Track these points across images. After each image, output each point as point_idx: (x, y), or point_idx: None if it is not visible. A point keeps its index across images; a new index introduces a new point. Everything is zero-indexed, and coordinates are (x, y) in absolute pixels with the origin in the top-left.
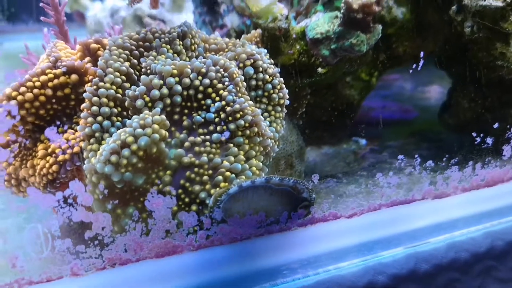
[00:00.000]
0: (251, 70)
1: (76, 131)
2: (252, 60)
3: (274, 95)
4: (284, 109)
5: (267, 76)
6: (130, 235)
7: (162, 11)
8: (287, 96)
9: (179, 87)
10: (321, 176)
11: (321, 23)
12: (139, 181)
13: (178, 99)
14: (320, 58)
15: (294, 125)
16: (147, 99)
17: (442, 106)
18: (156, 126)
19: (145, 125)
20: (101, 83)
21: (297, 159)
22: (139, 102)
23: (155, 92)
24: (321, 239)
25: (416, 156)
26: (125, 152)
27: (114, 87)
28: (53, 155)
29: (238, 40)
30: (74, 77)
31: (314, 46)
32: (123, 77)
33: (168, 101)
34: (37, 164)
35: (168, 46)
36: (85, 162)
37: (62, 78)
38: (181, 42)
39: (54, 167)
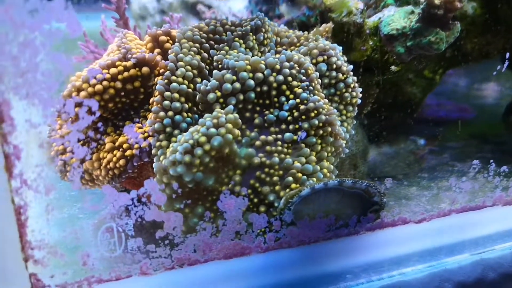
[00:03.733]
0: (324, 67)
1: (142, 125)
2: (325, 56)
3: (347, 94)
4: (356, 108)
5: (340, 74)
6: (200, 235)
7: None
8: (360, 95)
9: (252, 82)
10: (381, 176)
11: (396, 18)
12: (210, 181)
13: (252, 95)
14: (394, 55)
15: (360, 124)
16: (219, 94)
17: (508, 107)
18: (229, 125)
19: (218, 125)
20: (173, 77)
21: (361, 159)
22: (211, 96)
23: (227, 86)
24: (389, 244)
25: (491, 161)
26: (198, 151)
27: (186, 81)
28: (121, 149)
29: (310, 34)
30: (145, 69)
31: (388, 42)
32: (195, 71)
33: (241, 97)
34: (103, 158)
35: (241, 41)
36: (154, 159)
37: (132, 71)
38: (254, 37)
39: (121, 162)
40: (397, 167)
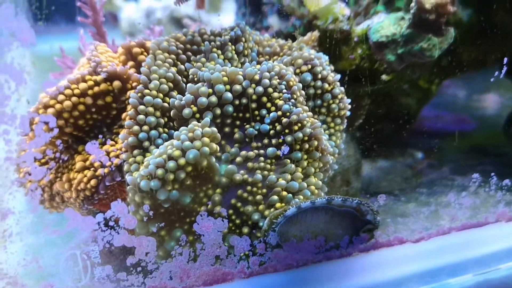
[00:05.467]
0: (308, 77)
1: (116, 143)
2: (309, 66)
3: (334, 106)
4: (345, 121)
5: (326, 85)
6: (176, 261)
7: (200, 12)
8: (349, 107)
9: (229, 95)
10: (376, 192)
11: (386, 25)
12: (187, 200)
13: (230, 108)
14: (384, 63)
15: (351, 137)
16: (195, 108)
17: (509, 118)
18: (206, 139)
19: (194, 138)
20: (146, 91)
21: (354, 174)
22: (186, 111)
23: (202, 100)
24: (384, 265)
25: (492, 174)
26: (171, 164)
27: (160, 94)
28: (92, 168)
29: (294, 43)
30: (116, 84)
31: (378, 50)
32: (170, 84)
33: (218, 111)
34: (74, 178)
35: (219, 52)
36: (126, 175)
37: (103, 85)
38: (233, 47)
39: (93, 182)
40: (394, 182)
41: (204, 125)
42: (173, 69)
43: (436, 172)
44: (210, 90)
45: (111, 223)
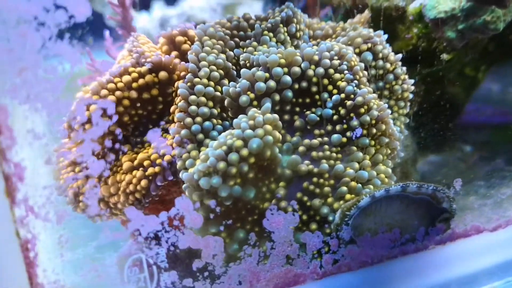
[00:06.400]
0: (369, 56)
1: (164, 139)
2: (369, 45)
3: (397, 87)
4: (408, 104)
5: (388, 64)
6: (245, 263)
7: (216, 17)
8: (412, 88)
9: (288, 78)
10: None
11: (442, 0)
12: (250, 195)
13: (289, 93)
14: (444, 41)
15: (406, 126)
16: (252, 95)
17: None
18: (268, 126)
19: (255, 126)
20: (196, 79)
21: (412, 166)
22: (243, 99)
23: (260, 85)
24: (464, 258)
25: None
26: (233, 157)
27: (212, 83)
28: (141, 168)
29: (346, 24)
30: (162, 74)
31: (436, 27)
32: (221, 72)
33: (276, 97)
34: (121, 180)
35: (271, 34)
36: (181, 173)
37: (148, 77)
38: (285, 29)
39: (143, 183)
40: (448, 176)
41: (265, 111)
42: (223, 56)
43: (491, 165)
44: (267, 75)
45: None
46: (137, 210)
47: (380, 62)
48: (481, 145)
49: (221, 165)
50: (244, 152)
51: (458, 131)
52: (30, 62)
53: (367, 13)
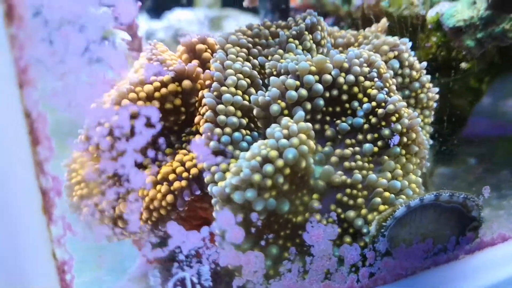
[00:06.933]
0: (396, 64)
1: (189, 151)
2: (396, 52)
3: (422, 96)
4: (433, 113)
5: (414, 72)
6: (285, 279)
7: (203, 30)
8: (437, 97)
9: (320, 86)
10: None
11: (460, 9)
12: (285, 208)
13: (320, 102)
14: (463, 50)
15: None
16: (283, 104)
17: None
18: (303, 135)
19: (290, 135)
20: (223, 88)
21: (430, 178)
22: (274, 108)
23: (292, 94)
24: (492, 267)
25: None
26: (269, 168)
27: (239, 92)
28: (165, 183)
29: (367, 32)
30: (186, 84)
31: (455, 36)
32: (248, 80)
33: (308, 105)
34: (144, 196)
35: (297, 42)
36: (210, 186)
37: (171, 86)
38: (310, 36)
39: (169, 198)
40: (459, 189)
41: (298, 120)
42: (248, 64)
43: (496, 176)
44: (298, 82)
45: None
46: (178, 225)
47: (407, 70)
48: (484, 157)
49: (257, 177)
50: (280, 163)
51: (463, 143)
52: (72, 66)
53: (384, 22)
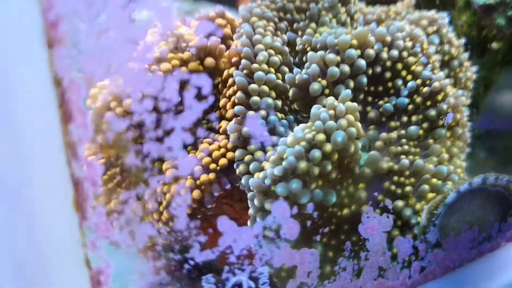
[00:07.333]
0: (436, 39)
1: (213, 140)
2: (435, 27)
3: (462, 75)
4: (470, 94)
5: (453, 49)
6: (339, 279)
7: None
8: (474, 77)
9: (363, 62)
10: None
11: None
12: (332, 200)
13: (364, 80)
14: (494, 29)
15: None
16: (324, 82)
17: None
18: (351, 116)
19: (337, 116)
20: (254, 65)
21: None
22: (315, 87)
23: (334, 70)
24: None
25: None
26: (316, 154)
27: (272, 69)
28: (189, 176)
29: (398, 7)
30: (209, 61)
31: (485, 14)
32: (279, 57)
33: (351, 83)
34: (163, 192)
35: (330, 15)
36: (244, 179)
37: (192, 65)
38: (344, 9)
39: (195, 194)
40: None
41: (345, 98)
42: (278, 39)
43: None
44: (339, 58)
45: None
46: (229, 221)
47: (446, 47)
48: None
49: (303, 165)
50: (328, 147)
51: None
52: (112, 22)
53: None
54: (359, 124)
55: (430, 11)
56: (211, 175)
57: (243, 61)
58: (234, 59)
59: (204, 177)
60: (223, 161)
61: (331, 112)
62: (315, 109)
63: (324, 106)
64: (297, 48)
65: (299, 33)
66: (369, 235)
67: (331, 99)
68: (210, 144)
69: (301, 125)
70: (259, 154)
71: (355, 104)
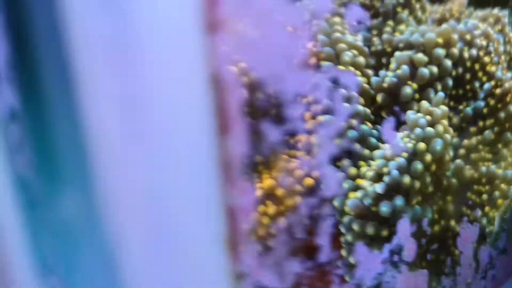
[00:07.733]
0: (501, 39)
1: (292, 156)
2: (500, 26)
3: None
4: None
5: None
6: None
7: None
8: None
9: (449, 63)
10: None
11: None
12: (428, 215)
13: (450, 82)
14: None
15: None
16: (415, 86)
17: None
18: (445, 121)
19: (434, 122)
20: (341, 67)
21: None
22: (407, 90)
23: (424, 71)
24: None
25: None
26: (419, 166)
27: (358, 72)
28: (269, 201)
29: (454, 6)
30: None
31: None
32: (363, 58)
33: (438, 86)
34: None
35: (406, 11)
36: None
37: None
38: (418, 5)
39: (281, 221)
40: None
41: (439, 102)
42: (357, 37)
43: None
44: (426, 58)
45: None
46: (366, 247)
47: (508, 47)
48: None
49: (406, 179)
50: (428, 157)
51: None
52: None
53: None
54: (451, 130)
55: (494, 9)
56: (297, 199)
57: (325, 64)
58: (312, 61)
59: (289, 202)
60: (308, 181)
61: (428, 117)
62: (411, 114)
63: (418, 112)
64: (373, 48)
65: (373, 31)
66: (464, 247)
67: (424, 102)
68: (288, 161)
69: (399, 134)
70: (353, 171)
71: (446, 108)
